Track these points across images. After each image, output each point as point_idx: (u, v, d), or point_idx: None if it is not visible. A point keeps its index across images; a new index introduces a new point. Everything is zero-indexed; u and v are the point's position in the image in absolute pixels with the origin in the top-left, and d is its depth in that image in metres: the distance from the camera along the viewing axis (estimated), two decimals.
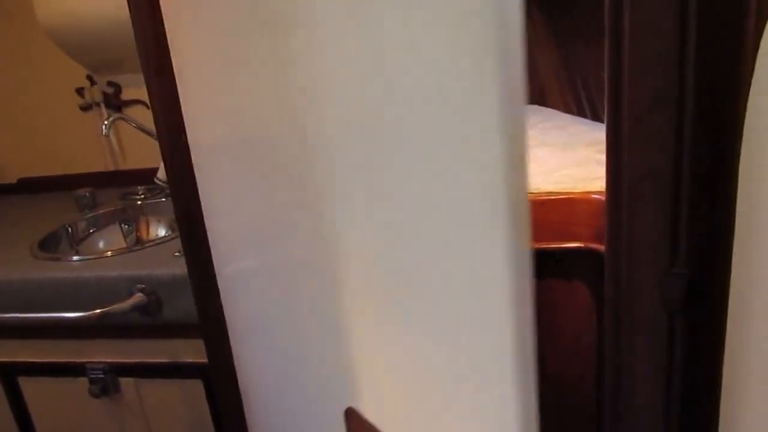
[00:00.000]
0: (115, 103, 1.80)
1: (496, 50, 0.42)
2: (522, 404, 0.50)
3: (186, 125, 0.92)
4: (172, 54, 0.90)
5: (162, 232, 1.61)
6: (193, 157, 0.94)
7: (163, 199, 1.64)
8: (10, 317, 1.26)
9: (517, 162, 0.44)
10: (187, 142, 0.93)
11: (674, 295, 0.72)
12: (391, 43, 0.51)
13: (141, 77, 1.79)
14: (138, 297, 1.21)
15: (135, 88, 1.80)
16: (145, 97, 1.80)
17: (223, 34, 0.77)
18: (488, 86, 0.43)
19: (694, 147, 0.65)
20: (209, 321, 1.08)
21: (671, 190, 0.67)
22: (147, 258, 1.28)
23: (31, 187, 1.97)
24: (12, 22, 1.82)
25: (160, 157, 1.68)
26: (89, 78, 1.80)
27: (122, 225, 1.61)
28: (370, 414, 0.72)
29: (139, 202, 1.66)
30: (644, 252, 0.72)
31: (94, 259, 1.32)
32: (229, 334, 1.04)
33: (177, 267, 1.20)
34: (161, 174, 1.65)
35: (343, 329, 0.71)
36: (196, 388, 1.30)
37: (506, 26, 0.41)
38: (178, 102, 0.92)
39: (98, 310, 1.19)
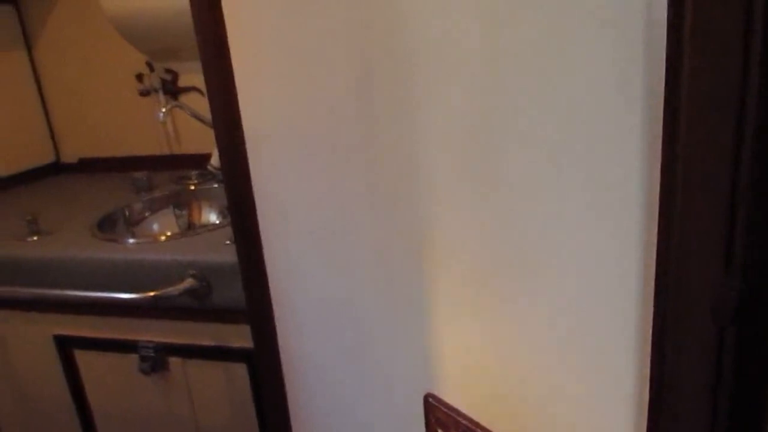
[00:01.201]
0: (172, 89, 1.85)
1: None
2: (636, 401, 0.52)
3: (242, 116, 0.95)
4: (230, 45, 0.92)
5: (213, 217, 1.66)
6: (248, 149, 0.96)
7: (215, 186, 1.68)
8: (70, 294, 1.32)
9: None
10: (242, 133, 0.96)
11: (726, 308, 0.71)
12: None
13: (197, 65, 1.83)
14: (189, 282, 1.25)
15: (191, 75, 1.84)
16: (201, 85, 1.86)
17: (289, 29, 0.79)
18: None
19: (754, 152, 0.63)
20: (257, 308, 1.11)
21: (727, 198, 0.66)
22: (199, 244, 1.32)
23: (90, 166, 2.05)
24: (78, 10, 1.88)
25: (213, 143, 1.74)
26: (148, 64, 1.86)
27: (175, 209, 1.66)
28: (454, 400, 0.73)
29: (192, 187, 1.71)
30: (696, 262, 0.71)
31: (149, 242, 1.37)
32: (276, 321, 1.07)
33: (228, 254, 1.24)
34: (214, 161, 1.69)
35: (425, 316, 0.72)
36: (240, 371, 1.34)
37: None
38: (235, 93, 0.94)
39: (152, 293, 1.24)
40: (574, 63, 0.51)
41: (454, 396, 0.73)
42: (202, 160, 1.86)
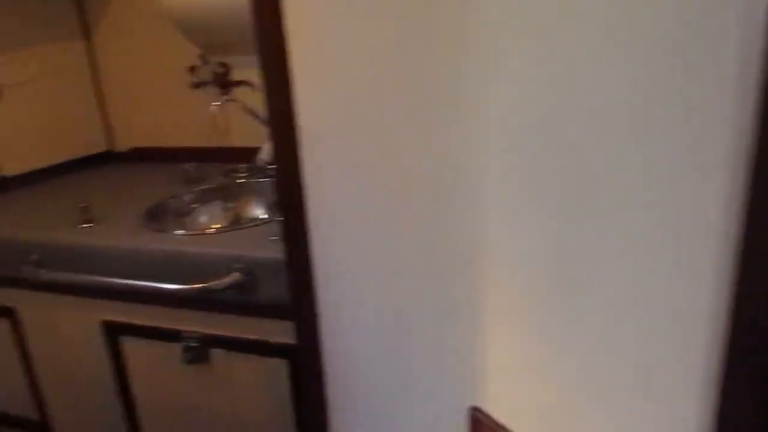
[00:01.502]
0: (223, 82, 1.87)
1: None
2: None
3: (298, 117, 0.95)
4: (290, 44, 0.92)
5: (260, 211, 1.67)
6: (301, 149, 0.96)
7: (263, 180, 1.69)
8: (118, 282, 1.35)
9: None
10: (296, 133, 0.96)
11: None
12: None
13: (250, 59, 1.84)
14: (235, 276, 1.26)
15: (243, 69, 1.86)
16: (252, 79, 1.87)
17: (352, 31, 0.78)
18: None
19: None
20: (301, 306, 1.11)
21: None
22: (246, 238, 1.33)
23: (142, 156, 2.09)
24: (135, 1, 1.92)
25: (262, 137, 1.75)
26: (202, 57, 1.88)
27: (223, 202, 1.68)
28: (501, 415, 0.72)
29: (240, 181, 1.72)
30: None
31: (197, 234, 1.38)
32: (320, 321, 1.07)
33: (274, 251, 1.25)
34: (263, 155, 1.71)
35: (475, 330, 0.71)
36: (280, 367, 1.35)
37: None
38: (292, 92, 0.94)
39: (198, 285, 1.26)
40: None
41: (499, 412, 0.72)
42: (250, 153, 1.87)
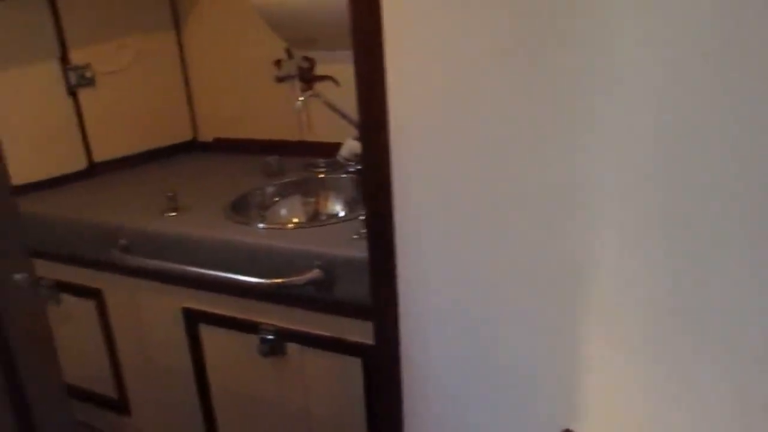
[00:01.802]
0: (307, 77, 1.88)
1: None
2: None
3: (389, 116, 0.93)
4: (385, 40, 0.91)
5: (338, 207, 1.67)
6: (391, 148, 0.95)
7: (344, 176, 1.69)
8: (201, 272, 1.37)
9: None
10: (387, 133, 0.94)
11: None
12: None
13: (334, 55, 1.85)
14: (315, 272, 1.26)
15: (327, 65, 1.86)
16: (336, 74, 1.87)
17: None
18: None
19: None
20: (382, 306, 1.10)
21: None
22: (327, 235, 1.33)
23: (224, 146, 2.13)
24: None
25: (343, 133, 1.75)
26: (287, 51, 1.89)
27: (304, 196, 1.69)
28: None
29: (321, 176, 1.73)
30: None
31: (278, 229, 1.39)
32: (401, 325, 1.05)
33: (355, 249, 1.24)
34: (344, 151, 1.71)
35: (574, 349, 0.68)
36: (354, 366, 1.35)
37: None
38: (385, 90, 0.93)
39: (278, 280, 1.27)
40: None
41: None
42: (331, 148, 1.88)
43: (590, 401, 0.68)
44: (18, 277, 0.89)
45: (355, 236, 1.29)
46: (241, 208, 1.58)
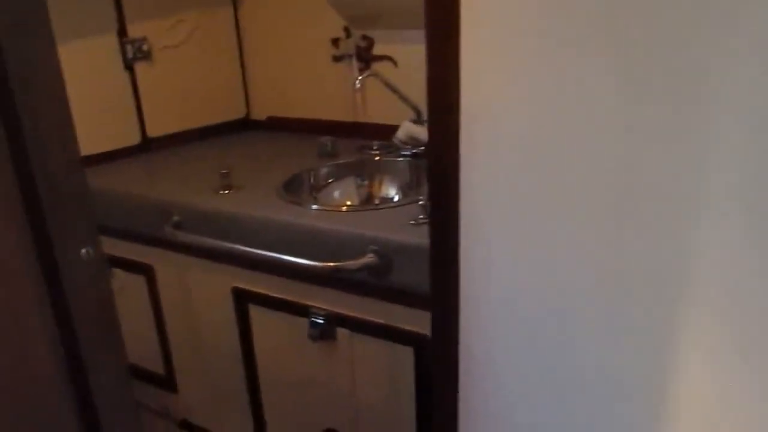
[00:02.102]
0: (365, 56, 1.83)
1: None
2: None
3: (462, 100, 0.87)
4: (462, 17, 0.85)
5: (392, 191, 1.63)
6: (461, 135, 0.89)
7: (399, 159, 1.64)
8: (252, 252, 1.34)
9: None
10: (458, 117, 0.88)
11: None
12: None
13: (394, 34, 1.79)
14: (370, 258, 1.22)
15: (386, 44, 1.81)
16: (395, 54, 1.82)
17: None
18: None
19: None
20: (442, 296, 1.05)
21: None
22: (382, 219, 1.28)
23: (277, 125, 2.10)
24: None
25: (398, 115, 1.69)
26: (346, 30, 1.84)
27: (358, 179, 1.64)
28: None
29: (377, 158, 1.68)
30: None
31: (331, 210, 1.35)
32: (462, 318, 1.00)
33: (413, 235, 1.19)
34: (401, 134, 1.65)
35: (662, 359, 0.62)
36: (406, 355, 1.30)
37: None
38: (458, 73, 0.87)
39: (332, 263, 1.23)
40: None
41: None
42: (386, 130, 1.83)
43: (682, 409, 0.62)
44: (84, 251, 0.87)
45: (411, 222, 1.24)
46: (294, 189, 1.54)
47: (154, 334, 1.76)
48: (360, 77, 1.53)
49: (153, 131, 1.94)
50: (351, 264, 1.22)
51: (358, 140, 1.87)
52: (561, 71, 0.72)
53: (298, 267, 1.28)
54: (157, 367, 1.79)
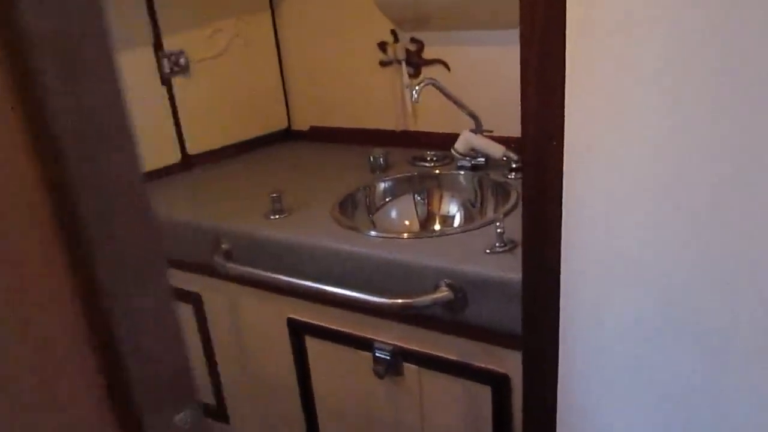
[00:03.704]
0: (415, 61, 1.71)
1: None
2: None
3: (566, 124, 0.75)
4: (569, 26, 0.72)
5: (454, 208, 1.51)
6: (565, 164, 0.77)
7: (461, 173, 1.52)
8: (307, 285, 1.24)
9: None
10: (562, 145, 0.76)
11: None
12: None
13: (446, 36, 1.66)
14: (443, 292, 1.11)
15: (438, 47, 1.68)
16: (447, 57, 1.69)
17: None
18: None
19: None
20: (537, 334, 0.93)
21: None
22: (451, 248, 1.17)
23: (321, 135, 1.99)
24: None
25: (452, 123, 1.57)
26: (393, 33, 1.72)
27: (416, 196, 1.53)
28: None
29: (436, 171, 1.56)
30: None
31: (393, 238, 1.24)
32: (561, 365, 0.89)
33: (490, 267, 1.07)
34: (460, 145, 1.53)
35: None
36: (482, 394, 1.19)
37: None
38: (562, 93, 0.75)
39: (400, 300, 1.12)
40: None
41: None
42: (439, 140, 1.72)
43: None
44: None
45: (487, 251, 1.12)
46: (350, 210, 1.44)
47: (203, 363, 1.68)
48: (417, 87, 1.40)
49: (194, 148, 1.84)
50: (423, 300, 1.11)
51: (409, 150, 1.76)
52: (690, 95, 0.60)
53: (362, 302, 1.17)
54: (207, 396, 1.70)
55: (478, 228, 1.23)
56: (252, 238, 1.36)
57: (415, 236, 1.24)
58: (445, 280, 1.10)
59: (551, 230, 0.82)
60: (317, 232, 1.30)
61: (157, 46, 1.72)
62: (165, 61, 1.73)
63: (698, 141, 0.68)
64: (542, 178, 0.81)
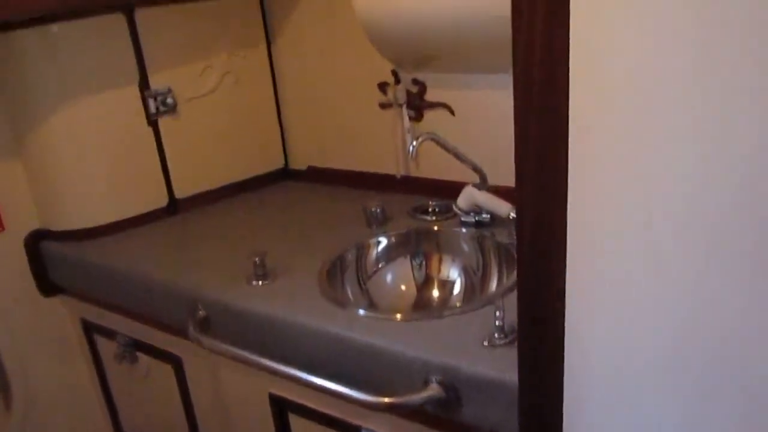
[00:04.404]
0: (418, 103, 1.58)
1: None
2: None
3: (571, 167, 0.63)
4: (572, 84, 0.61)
5: (454, 274, 1.38)
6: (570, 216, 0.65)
7: (463, 230, 1.39)
8: (289, 371, 1.12)
9: None
10: (566, 193, 0.65)
11: None
12: None
13: (449, 77, 1.53)
14: (434, 389, 0.98)
15: (441, 90, 1.56)
16: (451, 101, 1.56)
17: None
18: None
19: None
20: None
21: None
22: (446, 335, 1.04)
23: (318, 176, 1.88)
24: (323, 6, 1.68)
25: (455, 170, 1.44)
26: (394, 73, 1.60)
27: (413, 259, 1.40)
28: None
29: (435, 227, 1.43)
30: None
31: (383, 320, 1.11)
32: None
33: (488, 364, 0.94)
34: (462, 201, 1.41)
35: None
36: None
37: None
38: (565, 138, 0.63)
39: (386, 400, 0.99)
40: None
41: None
42: (441, 187, 1.60)
43: None
44: None
45: (485, 343, 0.99)
46: (338, 277, 1.31)
47: (183, 420, 1.57)
48: (414, 142, 1.28)
49: (181, 191, 1.74)
50: (411, 399, 0.98)
51: (410, 197, 1.63)
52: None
53: (347, 396, 1.05)
54: None
55: (478, 309, 1.10)
56: (230, 307, 1.24)
57: (407, 319, 1.11)
58: (436, 376, 0.98)
59: (551, 326, 0.70)
60: (300, 306, 1.18)
61: (143, 85, 1.62)
62: (151, 102, 1.63)
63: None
64: (541, 266, 0.69)
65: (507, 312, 0.99)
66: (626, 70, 0.58)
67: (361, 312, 1.13)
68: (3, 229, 1.59)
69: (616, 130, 0.60)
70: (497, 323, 0.98)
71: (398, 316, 1.11)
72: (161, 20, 1.60)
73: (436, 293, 1.38)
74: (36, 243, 1.65)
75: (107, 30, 1.53)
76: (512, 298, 0.82)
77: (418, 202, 1.59)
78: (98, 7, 1.48)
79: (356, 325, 1.10)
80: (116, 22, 1.53)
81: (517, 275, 0.76)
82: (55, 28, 1.45)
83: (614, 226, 0.64)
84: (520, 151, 0.69)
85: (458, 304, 1.33)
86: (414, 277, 1.39)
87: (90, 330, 1.72)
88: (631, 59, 0.57)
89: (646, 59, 0.56)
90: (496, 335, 0.99)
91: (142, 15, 1.56)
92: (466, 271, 1.35)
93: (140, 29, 1.57)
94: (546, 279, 0.73)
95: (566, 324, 0.72)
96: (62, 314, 1.74)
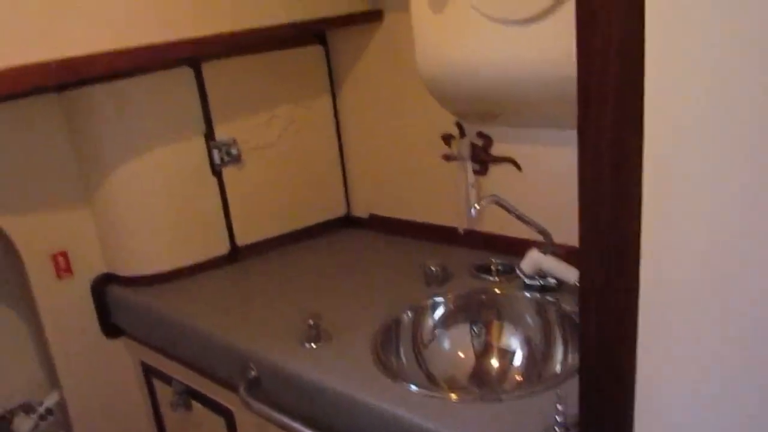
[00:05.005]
0: (482, 157, 1.53)
1: None
2: None
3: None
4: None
5: (515, 344, 1.30)
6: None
7: (527, 295, 1.32)
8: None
9: None
10: (636, 295, 0.59)
11: None
12: None
13: (517, 131, 1.47)
14: None
15: (507, 144, 1.50)
16: (517, 156, 1.50)
17: None
18: None
19: None
20: None
21: None
22: (505, 419, 0.97)
23: (381, 225, 1.85)
24: (388, 57, 1.66)
25: (524, 228, 1.37)
26: (459, 126, 1.55)
27: (472, 327, 1.33)
28: None
29: (496, 290, 1.37)
30: None
31: (437, 399, 1.05)
32: None
33: None
34: (526, 265, 1.34)
35: None
36: None
37: None
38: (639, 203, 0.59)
39: None
40: None
41: None
42: (505, 244, 1.53)
43: None
44: None
45: None
46: (393, 341, 1.26)
47: None
48: (476, 205, 1.23)
49: (243, 239, 1.74)
50: None
51: (471, 251, 1.57)
52: None
53: None
54: None
55: (539, 392, 1.02)
56: (281, 370, 1.22)
57: (462, 399, 1.05)
58: None
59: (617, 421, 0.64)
60: (351, 375, 1.14)
61: (209, 136, 1.63)
62: (216, 152, 1.64)
63: None
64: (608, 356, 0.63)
65: (569, 402, 0.91)
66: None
67: (413, 388, 1.08)
68: (71, 273, 1.63)
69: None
70: (557, 418, 0.90)
71: (453, 396, 1.05)
72: (227, 72, 1.62)
73: (495, 363, 1.30)
74: (102, 287, 1.68)
75: (175, 83, 1.56)
76: (575, 384, 0.76)
77: (480, 258, 1.53)
78: (168, 62, 1.50)
79: (408, 401, 1.05)
80: (184, 75, 1.56)
81: (579, 370, 0.70)
82: (123, 83, 1.49)
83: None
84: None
85: (518, 377, 1.25)
86: (473, 345, 1.33)
87: (149, 373, 1.73)
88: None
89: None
90: (556, 429, 0.91)
91: (209, 67, 1.58)
92: (528, 342, 1.28)
93: (207, 82, 1.59)
94: (613, 373, 0.67)
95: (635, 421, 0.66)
96: (124, 356, 1.76)
